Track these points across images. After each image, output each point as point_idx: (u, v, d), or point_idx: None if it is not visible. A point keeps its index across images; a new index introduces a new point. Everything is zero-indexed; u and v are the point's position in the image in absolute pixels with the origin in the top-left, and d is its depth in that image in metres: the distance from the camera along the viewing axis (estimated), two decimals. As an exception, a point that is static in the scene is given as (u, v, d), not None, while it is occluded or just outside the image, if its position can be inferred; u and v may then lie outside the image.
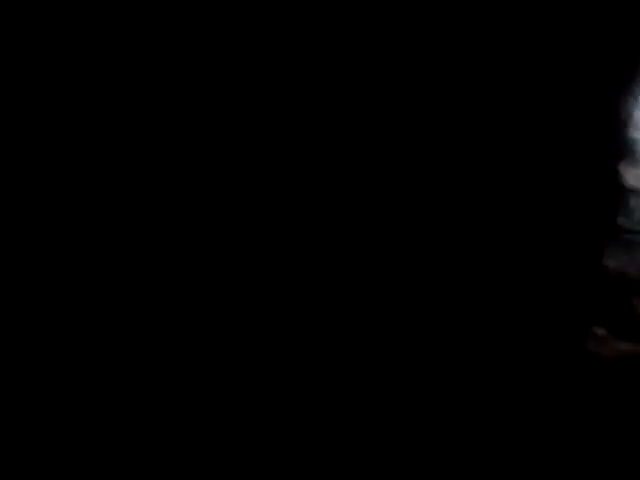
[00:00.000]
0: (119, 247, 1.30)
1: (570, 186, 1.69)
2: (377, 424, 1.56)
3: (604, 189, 1.84)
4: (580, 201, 1.77)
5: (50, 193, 1.26)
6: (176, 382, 1.39)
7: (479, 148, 1.47)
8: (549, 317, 1.76)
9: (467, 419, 1.64)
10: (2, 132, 1.23)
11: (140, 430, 1.36)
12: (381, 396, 1.56)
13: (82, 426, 1.34)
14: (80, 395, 1.34)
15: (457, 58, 1.43)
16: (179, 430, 1.38)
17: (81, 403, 1.34)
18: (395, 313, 1.53)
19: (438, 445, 1.62)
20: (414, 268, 1.51)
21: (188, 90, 1.28)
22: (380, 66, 1.37)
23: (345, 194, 1.40)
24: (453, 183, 1.51)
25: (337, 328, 1.47)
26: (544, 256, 1.71)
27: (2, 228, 1.24)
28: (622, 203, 3.57)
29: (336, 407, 1.50)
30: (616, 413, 2.55)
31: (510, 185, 1.55)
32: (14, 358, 1.26)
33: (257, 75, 1.29)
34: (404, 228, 1.47)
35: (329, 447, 1.51)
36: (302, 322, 1.44)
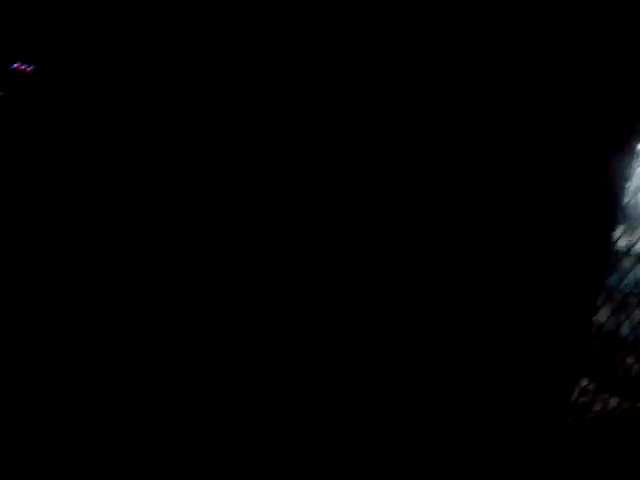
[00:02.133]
0: (119, 247, 1.28)
1: (567, 245, 1.73)
2: (377, 424, 1.56)
3: (598, 251, 1.88)
4: (575, 261, 1.80)
5: (50, 193, 1.23)
6: (176, 382, 1.37)
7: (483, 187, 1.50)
8: (541, 368, 1.77)
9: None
10: (2, 132, 1.23)
11: (140, 430, 1.34)
12: (381, 396, 1.56)
13: (82, 426, 1.31)
14: (80, 395, 1.31)
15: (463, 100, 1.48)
16: (179, 430, 1.37)
17: (81, 403, 1.31)
18: (393, 314, 1.51)
19: (438, 445, 1.61)
20: (410, 272, 1.49)
21: (188, 90, 1.29)
22: (380, 66, 1.35)
23: (345, 194, 1.39)
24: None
25: (337, 328, 1.46)
26: (539, 310, 1.73)
27: (2, 228, 1.20)
28: (615, 265, 3.69)
29: (336, 407, 1.50)
30: (607, 464, 2.57)
31: (510, 236, 1.59)
32: (14, 358, 1.24)
33: (257, 75, 1.26)
34: (403, 228, 1.46)
35: (329, 447, 1.51)
36: (302, 322, 1.43)
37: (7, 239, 1.19)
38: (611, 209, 1.79)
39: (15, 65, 1.24)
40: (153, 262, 1.29)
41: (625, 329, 3.49)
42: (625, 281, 3.36)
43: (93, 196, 1.23)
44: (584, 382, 3.56)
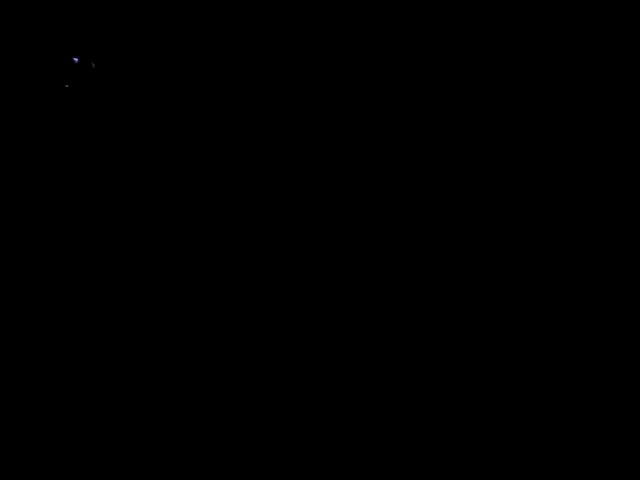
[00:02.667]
0: (119, 247, 1.28)
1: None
2: (376, 424, 1.53)
3: None
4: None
5: (50, 193, 1.24)
6: (176, 382, 1.37)
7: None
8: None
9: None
10: (2, 132, 1.22)
11: (140, 430, 1.34)
12: (380, 396, 1.53)
13: (82, 426, 1.31)
14: (80, 395, 1.32)
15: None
16: (179, 430, 1.36)
17: (81, 403, 1.32)
18: (391, 313, 1.49)
19: (437, 444, 1.57)
20: (409, 269, 1.46)
21: (188, 90, 1.26)
22: (380, 66, 1.33)
23: (345, 194, 1.38)
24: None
25: (336, 327, 1.45)
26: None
27: (2, 228, 1.22)
28: None
29: (335, 407, 1.49)
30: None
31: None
32: (14, 358, 1.25)
33: (257, 75, 1.26)
34: (403, 228, 1.43)
35: (329, 447, 1.49)
36: (302, 322, 1.42)
37: (7, 239, 1.22)
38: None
39: (75, 59, 1.32)
40: (153, 262, 1.29)
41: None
42: None
43: (93, 196, 1.25)
44: None
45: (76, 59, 1.18)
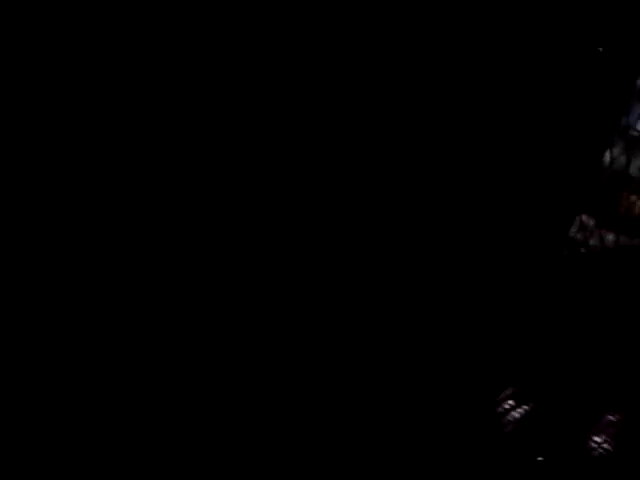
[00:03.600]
0: (119, 247, 1.28)
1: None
2: (376, 424, 1.58)
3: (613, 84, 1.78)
4: (586, 97, 1.71)
5: (50, 193, 1.22)
6: (176, 382, 1.37)
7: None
8: (541, 203, 1.76)
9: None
10: (2, 132, 1.18)
11: (140, 430, 1.35)
12: (380, 396, 1.57)
13: (82, 426, 1.31)
14: (80, 395, 1.31)
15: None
16: (179, 430, 1.37)
17: (81, 403, 1.31)
18: (390, 312, 1.53)
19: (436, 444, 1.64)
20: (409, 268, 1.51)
21: (188, 90, 1.22)
22: (380, 66, 1.31)
23: (344, 194, 1.38)
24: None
25: (336, 327, 1.47)
26: (547, 144, 1.70)
27: (2, 228, 1.20)
28: (631, 104, 3.49)
29: (335, 407, 1.52)
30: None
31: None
32: (14, 358, 1.23)
33: (256, 75, 1.23)
34: (402, 228, 1.47)
35: (329, 447, 1.52)
36: (301, 321, 1.43)
37: (7, 239, 1.19)
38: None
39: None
40: (152, 262, 1.29)
41: (634, 168, 3.45)
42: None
43: (93, 196, 1.22)
44: (583, 218, 3.67)
45: None
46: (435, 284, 1.58)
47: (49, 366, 1.26)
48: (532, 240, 1.80)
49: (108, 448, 1.32)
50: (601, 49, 1.62)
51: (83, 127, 1.21)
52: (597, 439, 1.85)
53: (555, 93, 1.59)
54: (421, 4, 1.33)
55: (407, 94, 1.40)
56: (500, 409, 1.91)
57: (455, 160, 1.50)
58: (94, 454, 1.31)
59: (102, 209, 1.23)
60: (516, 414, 1.95)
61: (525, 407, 2.02)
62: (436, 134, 1.45)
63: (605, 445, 1.80)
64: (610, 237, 3.53)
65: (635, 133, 3.29)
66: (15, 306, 1.22)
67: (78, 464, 1.29)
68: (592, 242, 3.42)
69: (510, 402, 1.99)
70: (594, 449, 1.77)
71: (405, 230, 1.49)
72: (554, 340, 2.36)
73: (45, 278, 1.24)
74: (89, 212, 1.23)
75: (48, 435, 1.27)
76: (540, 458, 1.68)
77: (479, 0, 1.36)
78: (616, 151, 3.29)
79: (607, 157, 3.33)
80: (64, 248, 1.23)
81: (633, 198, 3.43)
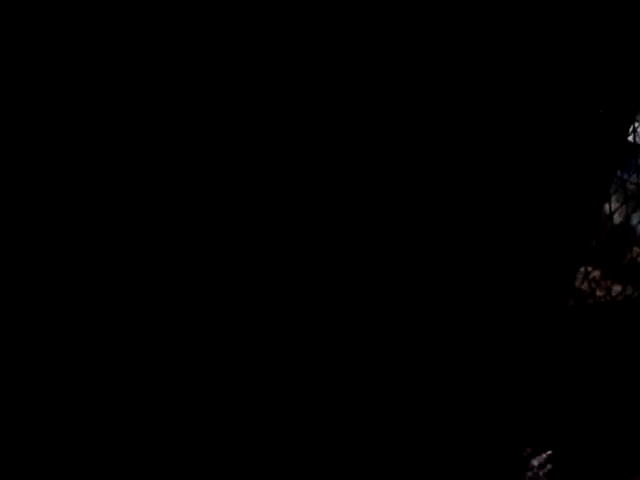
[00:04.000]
0: (118, 246, 1.27)
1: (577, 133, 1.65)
2: (376, 424, 1.59)
3: (609, 142, 1.81)
4: (586, 149, 1.74)
5: (50, 193, 1.26)
6: (176, 382, 1.38)
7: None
8: (547, 252, 1.75)
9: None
10: (2, 132, 1.18)
11: (140, 430, 1.36)
12: (380, 395, 1.58)
13: (82, 426, 1.31)
14: (80, 395, 1.31)
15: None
16: (179, 430, 1.38)
17: (81, 403, 1.31)
18: (391, 312, 1.54)
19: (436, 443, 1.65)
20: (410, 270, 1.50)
21: (188, 90, 1.26)
22: (380, 66, 1.35)
23: (344, 194, 1.41)
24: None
25: (335, 327, 1.49)
26: (548, 197, 1.75)
27: (2, 228, 1.22)
28: (630, 157, 3.62)
29: (335, 407, 1.53)
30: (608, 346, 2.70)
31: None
32: (14, 358, 1.23)
33: (256, 75, 1.25)
34: (402, 228, 1.48)
35: (329, 447, 1.53)
36: (301, 321, 1.45)
37: (7, 239, 1.22)
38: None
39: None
40: (152, 261, 1.29)
41: (635, 220, 3.53)
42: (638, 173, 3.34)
43: (93, 195, 1.21)
44: (588, 269, 3.70)
45: None
46: (438, 341, 1.58)
47: (49, 366, 1.25)
48: (532, 290, 1.80)
49: (108, 448, 1.32)
50: (601, 111, 1.69)
51: (83, 127, 1.21)
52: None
53: (555, 151, 1.64)
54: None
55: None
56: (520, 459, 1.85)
57: (457, 219, 1.53)
58: (94, 454, 1.31)
59: (102, 209, 1.23)
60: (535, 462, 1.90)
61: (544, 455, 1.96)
62: (433, 193, 1.49)
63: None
64: (617, 288, 3.55)
65: (632, 186, 3.38)
66: (15, 306, 1.20)
67: (78, 464, 1.29)
68: (598, 293, 3.44)
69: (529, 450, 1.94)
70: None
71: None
72: (567, 392, 2.31)
73: (45, 278, 1.22)
74: (89, 212, 1.23)
75: (48, 435, 1.27)
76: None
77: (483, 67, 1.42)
78: (615, 204, 3.38)
79: (606, 209, 3.41)
80: (64, 248, 1.22)
81: (637, 250, 3.48)
